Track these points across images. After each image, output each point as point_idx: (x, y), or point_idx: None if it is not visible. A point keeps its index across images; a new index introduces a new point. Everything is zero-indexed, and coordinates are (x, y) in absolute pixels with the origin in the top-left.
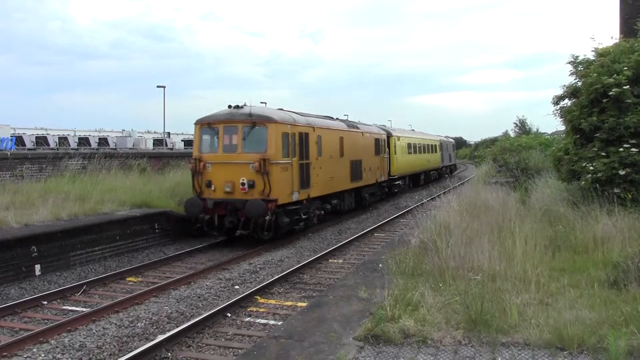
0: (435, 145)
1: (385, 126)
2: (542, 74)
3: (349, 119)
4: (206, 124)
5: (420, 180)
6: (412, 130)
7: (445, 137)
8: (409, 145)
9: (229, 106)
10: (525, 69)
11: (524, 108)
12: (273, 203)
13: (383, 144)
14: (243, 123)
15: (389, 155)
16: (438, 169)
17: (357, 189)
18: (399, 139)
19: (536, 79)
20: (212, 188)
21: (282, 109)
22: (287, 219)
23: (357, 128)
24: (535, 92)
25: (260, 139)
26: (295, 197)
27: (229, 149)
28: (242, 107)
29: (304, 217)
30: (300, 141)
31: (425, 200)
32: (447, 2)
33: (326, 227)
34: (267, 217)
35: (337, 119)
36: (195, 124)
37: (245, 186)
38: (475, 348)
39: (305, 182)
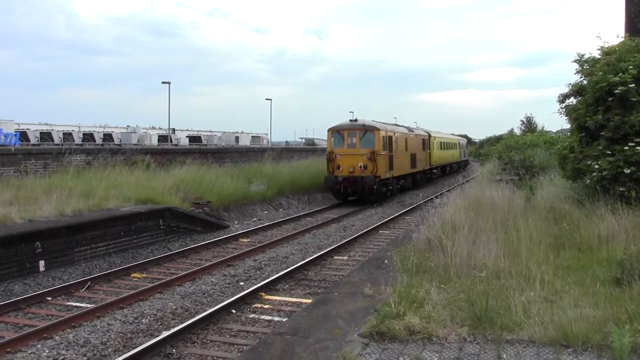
0: (456, 144)
1: (423, 129)
2: (547, 73)
3: (403, 124)
4: (336, 131)
5: (446, 170)
6: (439, 131)
7: (451, 134)
8: (441, 143)
9: (350, 120)
10: (530, 67)
11: (529, 106)
12: (378, 178)
13: (426, 142)
14: (359, 130)
15: (429, 150)
16: (458, 162)
17: (413, 173)
18: (435, 139)
19: (541, 77)
20: (340, 169)
21: (375, 121)
22: (384, 188)
23: (412, 131)
24: (540, 91)
25: (370, 140)
26: (387, 175)
27: (351, 145)
28: (357, 120)
29: (390, 188)
30: (389, 141)
31: (430, 198)
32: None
33: (330, 224)
34: (375, 187)
35: (402, 125)
36: (328, 130)
37: (362, 168)
38: (480, 345)
39: (391, 166)
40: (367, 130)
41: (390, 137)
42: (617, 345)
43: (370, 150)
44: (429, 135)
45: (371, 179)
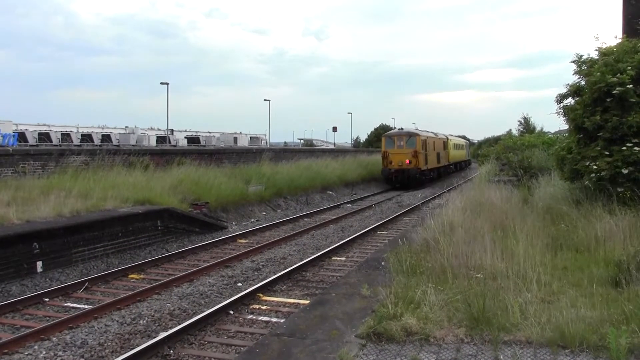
0: (464, 145)
1: (443, 133)
2: (545, 74)
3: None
4: (388, 136)
5: (457, 166)
6: (451, 134)
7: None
8: (454, 144)
9: (398, 128)
10: (529, 68)
11: (527, 107)
12: (419, 169)
13: (446, 144)
14: (405, 136)
15: (447, 150)
16: (465, 160)
17: (438, 167)
18: (450, 141)
19: (540, 78)
20: (392, 164)
21: (416, 129)
22: (423, 177)
23: (437, 135)
24: (538, 92)
25: (413, 142)
26: (424, 167)
27: (400, 147)
28: (402, 129)
29: (426, 177)
30: (424, 143)
31: (428, 198)
32: (452, 1)
33: (329, 225)
34: (417, 176)
35: (430, 131)
36: (382, 136)
37: (408, 162)
38: (477, 346)
39: (426, 161)
40: (411, 135)
41: (425, 140)
42: (614, 346)
43: (413, 150)
44: (447, 138)
45: (415, 171)
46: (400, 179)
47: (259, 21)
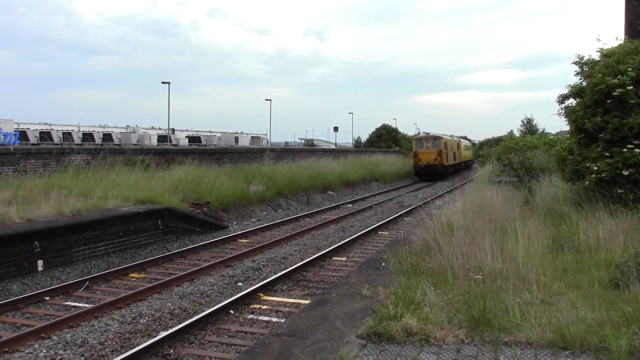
0: (470, 146)
1: (456, 136)
2: (547, 74)
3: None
4: (418, 139)
5: (465, 165)
6: (452, 135)
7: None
8: (464, 146)
9: (426, 133)
10: (530, 69)
11: (528, 108)
12: (442, 165)
13: (459, 145)
14: (432, 139)
15: (460, 151)
16: (471, 160)
17: (454, 164)
18: (461, 142)
19: (541, 79)
20: (422, 161)
21: (438, 133)
22: (446, 171)
23: (453, 137)
24: (540, 92)
25: (437, 144)
26: (447, 163)
27: (427, 147)
28: (429, 133)
29: (447, 171)
30: (446, 144)
31: (429, 199)
32: (453, 2)
33: (329, 225)
34: (441, 170)
35: (447, 135)
36: (413, 139)
37: (434, 160)
38: (477, 347)
39: (447, 159)
40: (436, 138)
41: (446, 142)
42: (615, 347)
43: (438, 149)
44: (460, 141)
45: (439, 166)
46: (429, 173)
47: (260, 21)
